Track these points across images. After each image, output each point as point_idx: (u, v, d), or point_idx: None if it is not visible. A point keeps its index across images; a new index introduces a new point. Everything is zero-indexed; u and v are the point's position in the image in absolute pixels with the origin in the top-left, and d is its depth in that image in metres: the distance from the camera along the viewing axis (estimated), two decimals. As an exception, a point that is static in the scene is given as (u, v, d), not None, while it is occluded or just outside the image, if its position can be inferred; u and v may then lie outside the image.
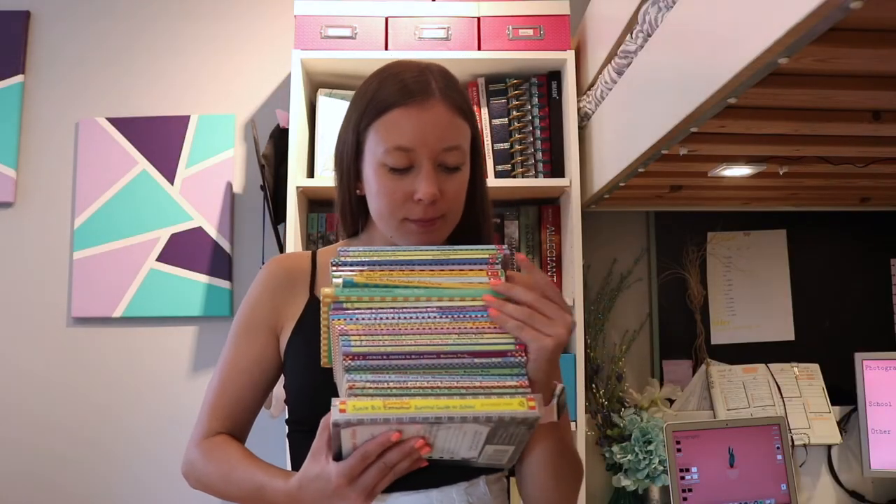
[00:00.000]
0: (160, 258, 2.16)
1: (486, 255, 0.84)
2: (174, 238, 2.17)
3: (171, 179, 2.19)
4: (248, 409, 1.03)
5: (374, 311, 0.81)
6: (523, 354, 0.80)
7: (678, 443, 1.83)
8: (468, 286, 0.83)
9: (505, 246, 0.86)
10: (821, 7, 0.81)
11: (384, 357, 0.78)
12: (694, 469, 1.82)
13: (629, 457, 1.92)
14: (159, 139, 2.21)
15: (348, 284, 0.81)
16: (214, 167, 2.20)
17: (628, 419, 1.97)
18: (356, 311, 0.80)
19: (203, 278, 2.15)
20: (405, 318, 0.81)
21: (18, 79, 2.23)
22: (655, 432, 1.92)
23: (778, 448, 1.88)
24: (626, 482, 1.93)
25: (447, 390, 0.78)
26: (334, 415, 0.74)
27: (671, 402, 2.10)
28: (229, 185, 2.20)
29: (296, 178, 1.88)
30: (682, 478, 1.82)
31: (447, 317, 0.81)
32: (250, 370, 1.01)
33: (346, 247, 1.06)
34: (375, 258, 0.84)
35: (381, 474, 0.80)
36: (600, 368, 2.08)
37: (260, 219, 2.17)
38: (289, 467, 0.99)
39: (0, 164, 2.19)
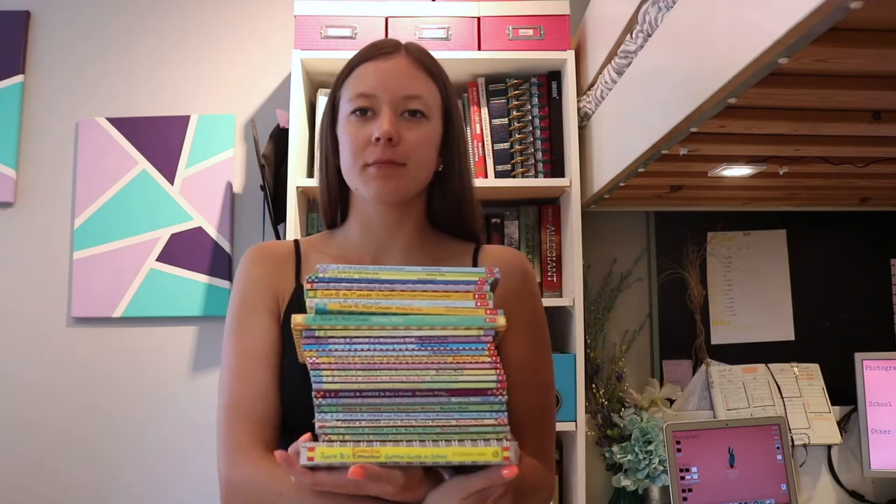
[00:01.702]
0: (160, 258, 2.16)
1: (475, 278, 0.80)
2: (174, 238, 2.17)
3: (171, 179, 2.19)
4: (275, 403, 0.92)
5: (348, 340, 0.76)
6: (504, 392, 0.76)
7: (678, 443, 1.83)
8: (451, 312, 0.78)
9: (496, 269, 0.81)
10: (821, 7, 0.81)
11: (357, 395, 0.74)
12: (694, 469, 1.82)
13: (629, 457, 1.92)
14: (159, 139, 2.21)
15: (321, 311, 0.76)
16: (214, 167, 2.20)
17: (628, 419, 1.97)
18: (329, 341, 0.76)
19: (203, 278, 2.15)
20: (381, 349, 0.76)
21: (18, 79, 2.23)
22: (655, 432, 1.92)
23: (778, 448, 1.88)
24: (626, 482, 1.93)
25: (422, 429, 0.74)
26: (302, 459, 0.72)
27: (671, 402, 2.10)
28: (229, 185, 2.20)
29: (296, 178, 1.88)
30: (682, 478, 1.82)
31: (426, 349, 0.76)
32: (268, 354, 0.93)
33: (314, 245, 1.05)
34: (355, 276, 0.79)
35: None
36: (600, 368, 2.08)
37: (260, 219, 2.17)
38: None
39: (0, 164, 2.19)
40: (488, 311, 0.78)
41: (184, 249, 2.16)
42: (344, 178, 0.99)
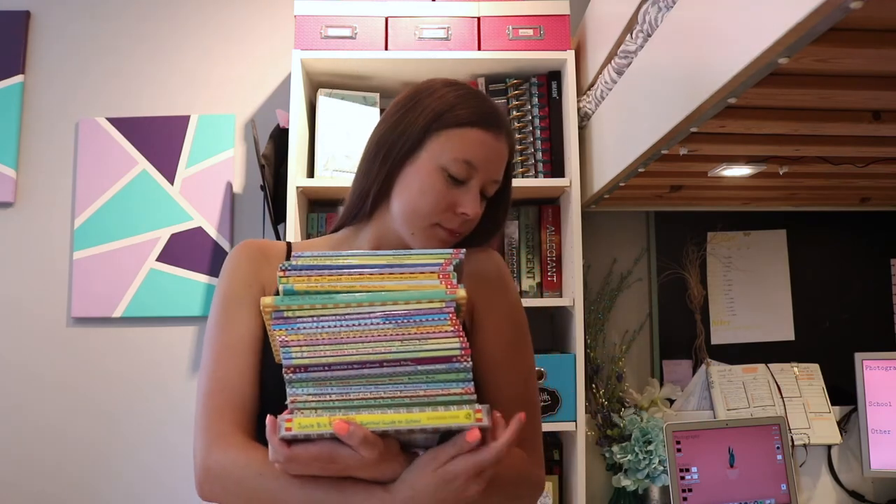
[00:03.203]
0: (160, 258, 2.16)
1: (440, 260, 0.82)
2: (174, 238, 2.17)
3: (171, 179, 2.19)
4: (255, 393, 0.93)
5: (315, 319, 0.78)
6: (468, 360, 0.78)
7: (678, 443, 1.83)
8: (412, 288, 0.80)
9: (463, 250, 0.84)
10: (821, 7, 0.81)
11: (325, 368, 0.77)
12: (694, 469, 1.82)
13: (629, 457, 1.92)
14: (159, 139, 2.21)
15: (288, 293, 0.79)
16: (214, 167, 2.20)
17: (628, 419, 1.97)
18: (297, 321, 0.78)
19: (203, 278, 2.15)
20: (347, 325, 0.78)
21: (18, 79, 2.23)
22: (655, 432, 1.92)
23: (778, 448, 1.88)
24: (626, 482, 1.93)
25: (391, 401, 0.76)
26: (280, 431, 0.74)
27: (671, 402, 2.10)
28: (229, 185, 2.20)
29: (296, 178, 1.88)
30: (682, 478, 1.82)
31: (390, 322, 0.78)
32: (251, 345, 0.95)
33: (310, 249, 1.07)
34: (325, 262, 0.82)
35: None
36: (600, 368, 2.08)
37: (260, 219, 2.17)
38: None
39: (0, 164, 2.19)
40: (449, 285, 0.81)
41: (184, 249, 2.16)
42: (394, 207, 0.99)
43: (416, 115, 0.98)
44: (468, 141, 0.96)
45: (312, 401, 0.76)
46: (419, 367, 0.77)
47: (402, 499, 0.78)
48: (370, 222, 1.04)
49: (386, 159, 0.99)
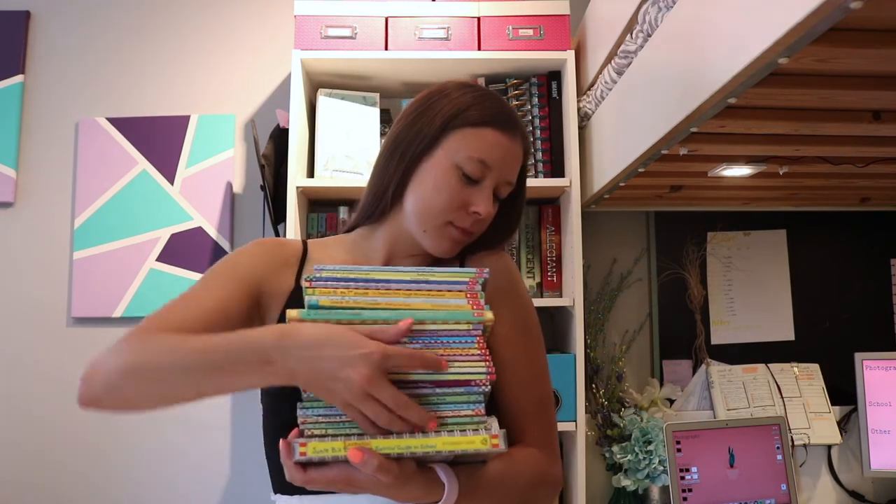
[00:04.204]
0: (160, 258, 2.16)
1: (466, 278, 0.82)
2: (174, 238, 2.17)
3: (171, 179, 2.19)
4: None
5: None
6: (488, 384, 0.77)
7: (678, 443, 1.83)
8: (439, 308, 0.79)
9: (486, 270, 0.84)
10: (821, 7, 0.81)
11: None
12: (694, 469, 1.82)
13: (629, 457, 1.92)
14: (159, 139, 2.21)
15: (313, 307, 0.78)
16: (214, 167, 2.20)
17: (628, 419, 1.97)
18: None
19: (203, 278, 2.15)
20: None
21: (18, 79, 2.23)
22: (655, 432, 1.92)
23: (778, 448, 1.88)
24: (626, 482, 1.93)
25: None
26: (295, 455, 0.73)
27: (671, 402, 2.10)
28: (229, 185, 2.20)
29: (296, 178, 1.88)
30: (682, 478, 1.82)
31: (415, 342, 0.77)
32: (217, 311, 0.91)
33: (326, 249, 1.06)
34: (352, 276, 0.80)
35: (393, 397, 0.74)
36: (600, 368, 2.08)
37: (260, 219, 2.17)
38: None
39: (0, 164, 2.19)
40: (476, 306, 0.80)
41: (184, 249, 2.16)
42: (408, 205, 0.99)
43: (433, 114, 0.99)
44: (483, 140, 0.97)
45: (323, 422, 0.75)
46: (437, 390, 0.76)
47: (296, 353, 0.74)
48: (385, 222, 1.04)
49: (403, 157, 1.00)
